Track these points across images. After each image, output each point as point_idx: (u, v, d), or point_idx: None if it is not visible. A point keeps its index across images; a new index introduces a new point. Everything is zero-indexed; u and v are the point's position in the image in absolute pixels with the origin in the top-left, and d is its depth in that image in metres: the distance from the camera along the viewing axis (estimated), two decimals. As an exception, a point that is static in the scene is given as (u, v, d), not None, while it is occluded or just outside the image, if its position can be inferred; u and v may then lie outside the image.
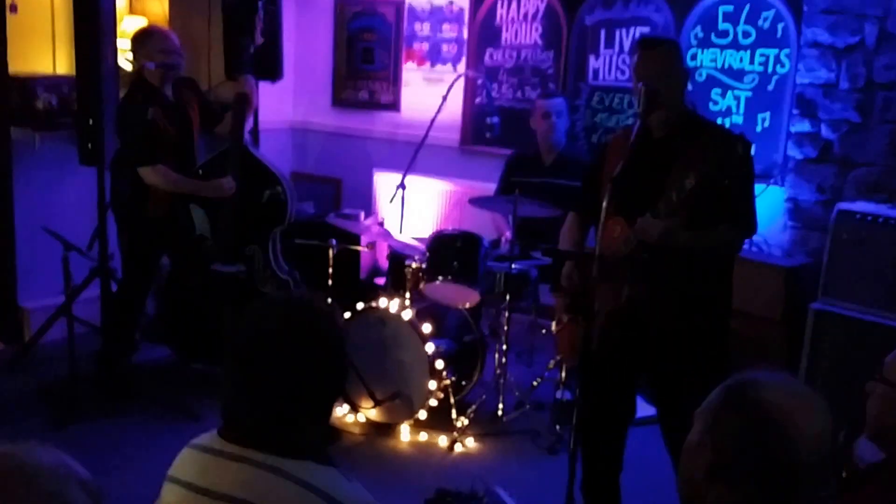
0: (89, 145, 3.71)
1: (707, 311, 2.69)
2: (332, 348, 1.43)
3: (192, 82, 4.14)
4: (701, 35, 4.41)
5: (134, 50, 3.88)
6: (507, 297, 3.80)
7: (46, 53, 4.60)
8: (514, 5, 4.90)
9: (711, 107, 4.41)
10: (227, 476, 1.38)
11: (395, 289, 4.08)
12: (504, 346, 3.86)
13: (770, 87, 4.25)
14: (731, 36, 4.34)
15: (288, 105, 5.70)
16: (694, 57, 4.44)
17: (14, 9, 4.25)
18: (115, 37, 4.02)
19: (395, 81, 5.34)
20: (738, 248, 2.82)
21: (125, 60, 5.36)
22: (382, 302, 3.78)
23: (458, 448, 3.66)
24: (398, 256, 4.14)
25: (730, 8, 4.32)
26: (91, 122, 3.66)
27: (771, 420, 1.23)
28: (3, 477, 0.93)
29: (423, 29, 5.21)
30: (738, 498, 1.24)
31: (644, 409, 4.11)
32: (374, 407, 3.71)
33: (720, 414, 1.27)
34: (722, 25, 4.35)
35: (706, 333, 2.70)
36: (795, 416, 1.24)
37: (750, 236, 2.82)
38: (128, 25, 5.94)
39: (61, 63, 4.60)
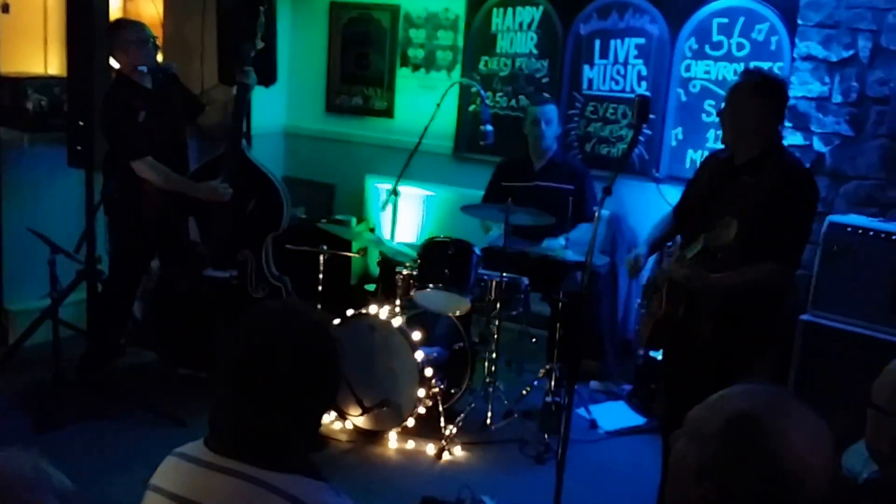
0: (79, 147, 3.69)
1: (749, 330, 2.77)
2: (324, 360, 1.40)
3: (172, 76, 4.12)
4: (695, 47, 4.42)
5: (109, 46, 3.81)
6: (498, 306, 3.79)
7: (38, 54, 4.57)
8: (509, 13, 4.90)
9: (705, 118, 4.41)
10: (212, 488, 1.35)
11: (385, 295, 4.06)
12: (494, 355, 3.84)
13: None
14: (725, 48, 4.35)
15: (281, 110, 5.68)
16: (688, 68, 4.45)
17: (6, 9, 4.23)
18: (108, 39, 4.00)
19: (390, 88, 5.33)
20: (785, 283, 2.87)
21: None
22: (372, 308, 3.76)
23: (445, 456, 3.63)
24: (389, 263, 4.12)
25: (724, 20, 4.34)
26: (81, 123, 3.64)
27: (780, 465, 1.19)
28: None
29: (418, 35, 5.20)
30: None
31: (634, 419, 4.11)
32: (361, 414, 3.69)
33: (726, 456, 1.22)
34: (716, 37, 4.36)
35: (744, 352, 2.77)
36: (805, 455, 1.20)
37: (793, 272, 2.86)
38: (121, 27, 5.93)
39: (53, 64, 4.58)
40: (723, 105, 2.82)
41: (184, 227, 4.17)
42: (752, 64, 4.26)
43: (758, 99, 2.73)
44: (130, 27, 3.88)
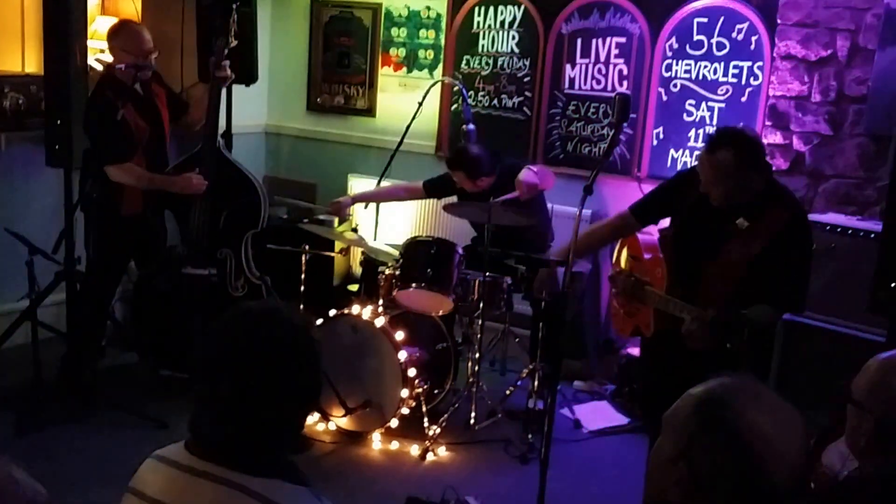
0: (57, 146, 3.65)
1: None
2: (305, 363, 1.38)
3: (156, 75, 4.09)
4: (676, 46, 4.44)
5: (108, 45, 3.87)
6: (481, 306, 3.79)
7: (15, 52, 4.50)
8: (491, 12, 4.90)
9: (685, 117, 4.43)
10: (192, 492, 1.33)
11: (368, 295, 4.04)
12: (477, 355, 3.84)
13: (743, 99, 4.28)
14: (705, 47, 4.37)
15: (262, 109, 5.64)
16: (669, 68, 4.47)
17: (-17, 7, 4.17)
18: (86, 37, 3.96)
19: (371, 87, 5.31)
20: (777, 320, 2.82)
21: (95, 61, 5.28)
22: (355, 309, 3.75)
23: (429, 457, 3.63)
24: (372, 263, 4.11)
25: (704, 20, 4.36)
26: (59, 122, 3.60)
27: (748, 445, 1.21)
28: None
29: (400, 34, 5.19)
30: None
31: (617, 418, 4.13)
32: (345, 415, 3.67)
33: (696, 437, 1.25)
34: (696, 37, 4.38)
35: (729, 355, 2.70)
36: (773, 438, 1.22)
37: (794, 312, 2.83)
38: (100, 26, 5.87)
39: (30, 62, 4.51)
40: (703, 178, 2.65)
41: (161, 226, 4.15)
42: (733, 63, 4.29)
43: (744, 169, 2.60)
44: (130, 34, 3.85)
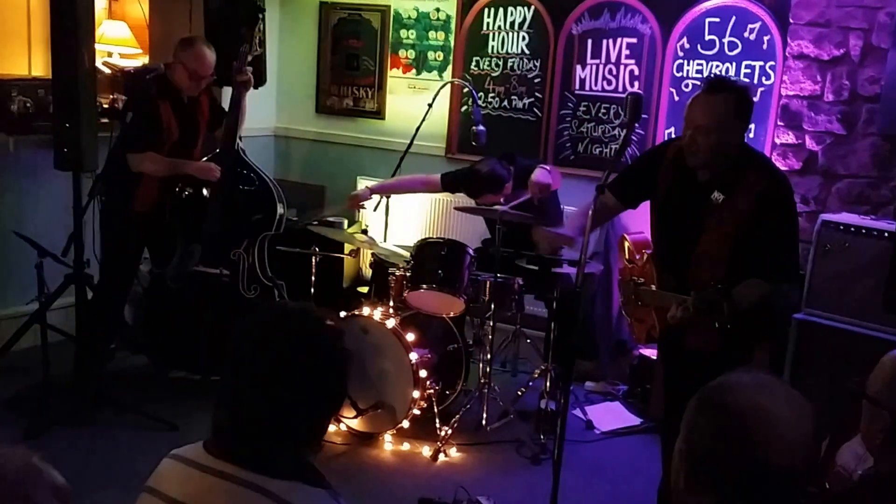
0: (65, 149, 3.64)
1: (745, 330, 2.59)
2: (334, 368, 1.39)
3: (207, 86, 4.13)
4: (687, 46, 4.42)
5: (174, 52, 3.92)
6: (493, 307, 3.77)
7: (22, 56, 4.51)
8: (501, 13, 4.88)
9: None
10: (211, 492, 1.32)
11: (378, 297, 4.03)
12: (488, 356, 3.82)
13: (755, 99, 4.25)
14: (717, 47, 4.35)
15: (271, 111, 5.64)
16: (680, 68, 4.45)
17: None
18: (93, 40, 3.96)
19: (381, 89, 5.31)
20: (787, 297, 2.75)
21: (103, 64, 5.29)
22: (366, 310, 3.73)
23: (441, 458, 3.61)
24: (382, 264, 4.09)
25: (716, 19, 4.34)
26: (67, 125, 3.59)
27: (739, 423, 1.20)
28: None
29: (409, 36, 5.18)
30: None
31: (629, 419, 4.10)
32: (356, 416, 3.65)
33: (692, 419, 1.25)
34: (708, 37, 4.36)
35: (741, 351, 2.64)
36: (767, 418, 1.20)
37: (786, 281, 2.65)
38: (106, 30, 5.88)
39: (37, 65, 4.52)
40: (693, 124, 2.50)
41: (172, 226, 4.15)
42: (745, 63, 4.27)
43: (738, 117, 2.51)
44: (196, 54, 3.87)
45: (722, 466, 1.20)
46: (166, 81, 3.91)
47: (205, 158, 4.03)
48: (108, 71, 5.37)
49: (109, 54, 5.83)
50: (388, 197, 4.40)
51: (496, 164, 4.03)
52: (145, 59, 5.62)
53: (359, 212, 4.34)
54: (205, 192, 4.00)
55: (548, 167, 4.02)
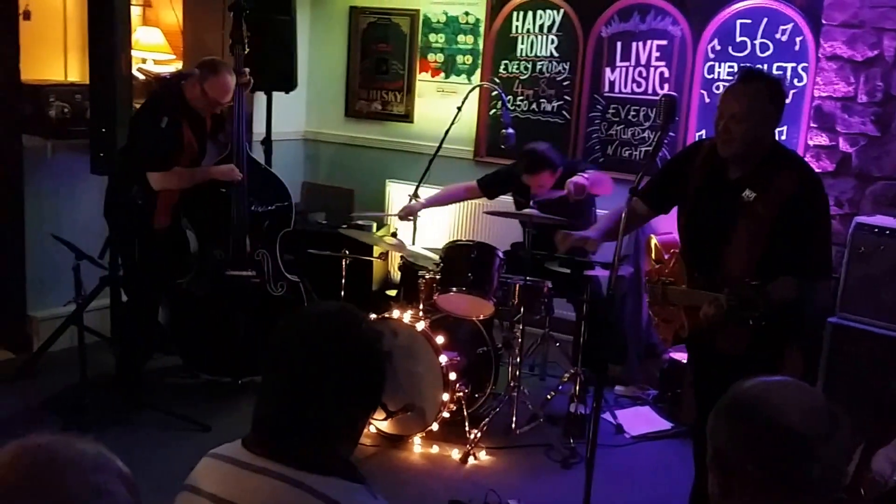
0: (101, 154, 3.70)
1: (775, 332, 2.57)
2: (375, 366, 1.42)
3: None
4: (718, 48, 4.39)
5: (195, 72, 3.84)
6: (522, 310, 3.76)
7: (58, 61, 4.58)
8: (529, 17, 4.89)
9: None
10: (250, 488, 1.34)
11: (407, 300, 4.04)
12: (517, 359, 3.82)
13: (787, 101, 4.20)
14: (748, 49, 4.31)
15: (301, 116, 5.69)
16: (711, 70, 4.42)
17: (28, 16, 4.25)
18: (130, 46, 4.02)
19: (409, 92, 5.33)
20: (819, 297, 2.69)
21: (138, 70, 5.37)
22: (395, 313, 3.75)
23: (471, 461, 3.61)
24: (411, 267, 4.11)
25: (747, 21, 4.31)
26: (104, 130, 3.65)
27: (765, 420, 1.20)
28: (32, 468, 0.90)
29: (438, 40, 5.20)
30: None
31: (660, 423, 4.07)
32: (386, 419, 3.66)
33: (718, 418, 1.26)
34: (739, 38, 4.33)
35: (771, 354, 2.61)
36: (795, 420, 1.19)
37: (819, 279, 2.60)
38: (140, 36, 5.96)
39: (73, 71, 4.59)
40: (728, 113, 2.48)
41: (185, 237, 4.19)
42: (777, 65, 4.23)
43: (772, 107, 2.50)
44: (218, 82, 3.77)
45: (746, 462, 1.20)
46: (182, 98, 3.83)
47: (215, 161, 4.05)
48: (142, 77, 5.45)
49: (144, 60, 5.90)
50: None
51: (547, 146, 4.05)
52: (179, 66, 5.69)
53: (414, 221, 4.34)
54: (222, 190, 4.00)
55: (588, 173, 3.96)
